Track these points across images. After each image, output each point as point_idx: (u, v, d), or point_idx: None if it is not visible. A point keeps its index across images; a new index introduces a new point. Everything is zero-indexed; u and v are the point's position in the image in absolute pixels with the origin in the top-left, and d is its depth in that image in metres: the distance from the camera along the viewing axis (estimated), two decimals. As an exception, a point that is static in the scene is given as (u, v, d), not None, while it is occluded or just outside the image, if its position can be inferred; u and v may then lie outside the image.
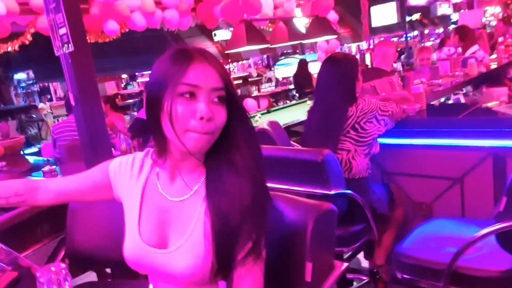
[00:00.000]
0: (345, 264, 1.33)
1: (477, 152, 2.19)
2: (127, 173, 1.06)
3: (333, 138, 2.12)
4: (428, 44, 16.25)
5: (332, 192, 1.93)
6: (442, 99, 3.42)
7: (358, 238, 2.09)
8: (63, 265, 0.54)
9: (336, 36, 5.26)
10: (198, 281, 0.91)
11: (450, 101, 3.54)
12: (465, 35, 4.77)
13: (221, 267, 0.89)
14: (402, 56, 8.79)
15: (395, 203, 2.33)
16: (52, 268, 0.53)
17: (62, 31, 2.29)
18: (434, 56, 4.58)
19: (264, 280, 0.93)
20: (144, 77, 14.95)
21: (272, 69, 13.97)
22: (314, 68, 9.18)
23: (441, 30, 20.92)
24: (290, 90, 10.18)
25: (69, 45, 2.28)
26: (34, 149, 6.23)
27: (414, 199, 2.48)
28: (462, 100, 3.39)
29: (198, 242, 0.91)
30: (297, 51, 13.37)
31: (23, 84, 13.41)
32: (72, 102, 2.40)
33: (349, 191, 1.99)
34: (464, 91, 3.84)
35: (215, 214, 0.90)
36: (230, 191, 0.90)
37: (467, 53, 4.47)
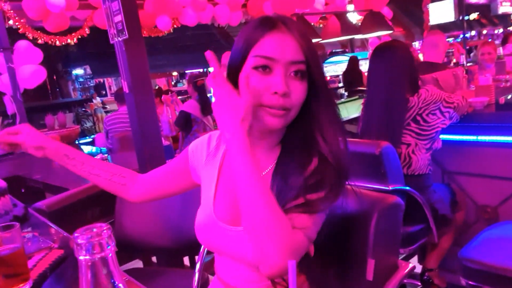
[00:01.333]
0: (411, 265, 1.22)
1: (554, 152, 1.98)
2: (203, 153, 1.04)
3: (394, 131, 1.97)
4: (488, 42, 15.35)
5: (390, 188, 1.80)
6: (509, 96, 3.16)
7: (415, 239, 1.95)
8: (105, 226, 0.48)
9: (391, 32, 5.06)
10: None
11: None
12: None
13: None
14: (471, 54, 8.33)
15: (457, 205, 2.16)
16: (94, 229, 0.46)
17: (117, 18, 2.31)
18: (501, 50, 4.27)
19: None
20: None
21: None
22: (365, 66, 8.92)
23: (500, 30, 19.78)
24: (338, 88, 9.95)
25: (124, 32, 2.29)
26: (88, 140, 6.46)
27: (477, 202, 2.28)
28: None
29: None
30: (346, 50, 13.08)
31: (81, 79, 14.03)
32: (125, 89, 2.42)
33: (408, 188, 1.86)
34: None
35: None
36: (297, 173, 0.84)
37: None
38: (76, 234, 0.47)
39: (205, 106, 4.05)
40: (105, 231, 0.47)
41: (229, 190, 0.95)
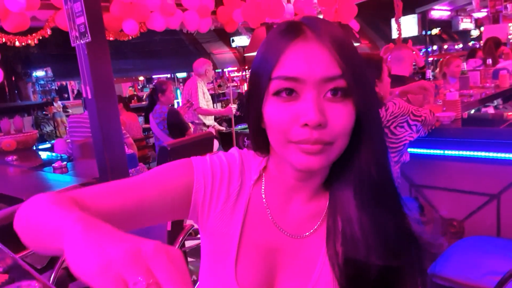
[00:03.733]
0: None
1: (518, 167, 2.02)
2: (222, 192, 0.70)
3: None
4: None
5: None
6: (472, 111, 3.24)
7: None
8: (36, 284, 0.39)
9: (358, 44, 5.13)
10: None
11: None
12: (495, 47, 4.62)
13: None
14: (436, 71, 8.63)
15: (424, 219, 2.17)
16: None
17: (80, 20, 2.19)
18: (465, 65, 4.41)
19: None
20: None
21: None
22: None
23: (460, 46, 20.66)
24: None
25: (86, 35, 2.18)
26: (47, 145, 6.18)
27: (444, 216, 2.30)
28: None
29: None
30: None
31: (42, 82, 13.51)
32: (87, 95, 2.30)
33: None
34: (495, 104, 3.66)
35: (336, 260, 0.65)
36: (360, 227, 0.63)
37: (499, 65, 4.29)
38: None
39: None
40: None
41: (259, 252, 0.70)
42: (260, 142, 0.68)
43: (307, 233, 0.69)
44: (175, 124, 4.00)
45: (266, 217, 0.70)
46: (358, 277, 0.63)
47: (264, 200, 0.71)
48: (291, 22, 0.63)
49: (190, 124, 4.19)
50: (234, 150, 0.75)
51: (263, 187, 0.71)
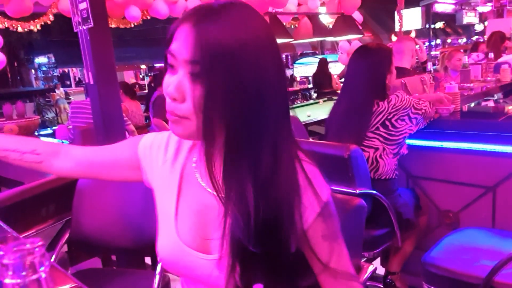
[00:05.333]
0: (373, 266, 1.21)
1: (514, 160, 2.04)
2: (160, 156, 0.87)
3: (356, 133, 1.98)
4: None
5: (357, 191, 1.80)
6: (472, 104, 3.25)
7: (380, 243, 1.95)
8: (39, 243, 0.41)
9: (361, 36, 5.11)
10: None
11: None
12: (500, 41, 4.61)
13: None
14: (436, 65, 8.63)
15: (421, 210, 2.20)
16: (28, 245, 0.39)
17: (82, 6, 2.20)
18: (466, 59, 4.42)
19: (284, 278, 0.79)
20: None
21: (291, 67, 13.83)
22: (334, 69, 9.02)
23: (463, 40, 20.56)
24: (308, 89, 10.03)
25: (89, 21, 2.19)
26: (49, 131, 6.21)
27: (440, 207, 2.32)
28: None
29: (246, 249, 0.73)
30: (317, 52, 13.20)
31: (44, 68, 13.49)
32: (89, 80, 2.31)
33: (375, 192, 1.86)
34: (495, 98, 3.66)
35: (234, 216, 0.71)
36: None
37: (501, 59, 4.28)
38: (1, 252, 0.40)
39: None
40: (38, 248, 0.40)
41: (193, 208, 0.81)
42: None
43: None
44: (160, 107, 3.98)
45: (196, 179, 0.81)
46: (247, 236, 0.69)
47: (194, 164, 0.82)
48: (196, 7, 0.70)
49: None
50: None
51: (195, 154, 0.83)
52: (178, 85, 0.68)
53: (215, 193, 0.74)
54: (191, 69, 0.67)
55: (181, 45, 0.68)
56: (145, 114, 5.81)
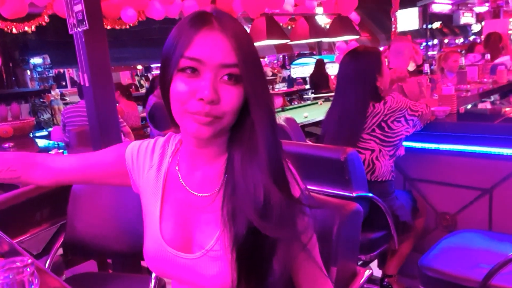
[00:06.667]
0: (369, 271, 1.21)
1: (511, 162, 2.04)
2: (146, 162, 0.91)
3: (351, 136, 1.98)
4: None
5: (354, 194, 1.79)
6: (469, 106, 3.25)
7: (377, 246, 1.95)
8: (29, 261, 0.40)
9: (358, 37, 5.11)
10: None
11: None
12: (498, 41, 4.62)
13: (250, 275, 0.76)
14: (432, 67, 8.64)
15: (418, 212, 2.19)
16: (17, 264, 0.39)
17: (77, 8, 2.18)
18: (463, 60, 4.42)
19: (286, 284, 0.81)
20: (158, 70, 14.93)
21: (288, 68, 13.83)
22: (331, 69, 9.03)
23: (461, 40, 20.60)
24: (305, 90, 10.03)
25: (84, 23, 2.17)
26: (44, 133, 6.18)
27: (437, 209, 2.32)
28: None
29: (228, 248, 0.77)
30: (314, 52, 13.21)
31: (39, 69, 13.42)
32: (82, 83, 2.30)
33: (371, 194, 1.86)
34: (492, 99, 3.66)
35: (228, 215, 0.76)
36: (248, 189, 0.75)
37: (497, 61, 4.28)
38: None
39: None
40: (27, 267, 0.40)
41: (175, 209, 0.85)
42: (173, 116, 0.80)
43: (212, 192, 0.82)
44: (161, 118, 3.95)
45: (178, 181, 0.86)
46: (242, 234, 0.74)
47: (177, 167, 0.87)
48: (202, 12, 0.75)
49: None
50: (169, 132, 0.94)
51: (178, 157, 0.88)
52: (214, 88, 0.71)
53: (195, 192, 0.82)
54: (229, 71, 0.72)
55: (214, 50, 0.71)
56: (142, 114, 5.78)
